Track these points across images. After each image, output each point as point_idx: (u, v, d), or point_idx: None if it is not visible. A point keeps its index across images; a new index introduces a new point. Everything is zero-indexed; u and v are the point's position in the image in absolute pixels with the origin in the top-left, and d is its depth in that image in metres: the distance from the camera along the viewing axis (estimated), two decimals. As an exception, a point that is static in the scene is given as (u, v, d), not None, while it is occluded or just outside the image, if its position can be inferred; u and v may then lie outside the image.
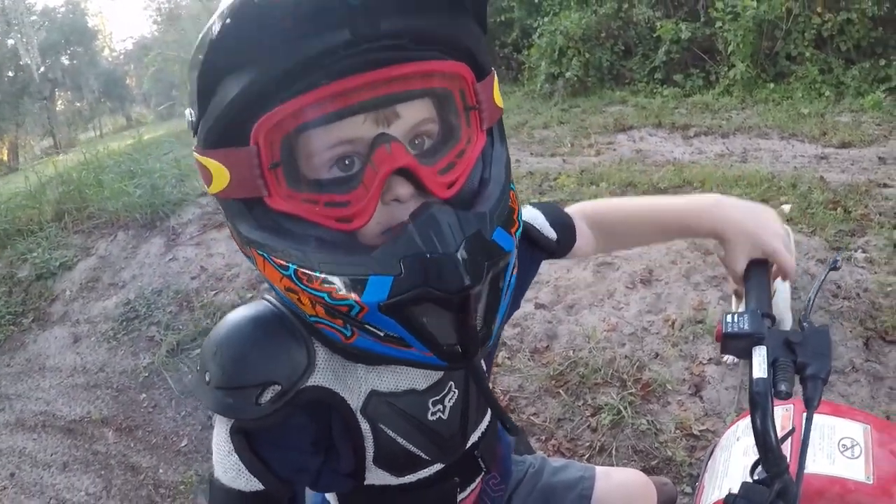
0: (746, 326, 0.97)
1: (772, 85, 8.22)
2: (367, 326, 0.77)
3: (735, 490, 0.92)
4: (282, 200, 0.75)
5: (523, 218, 0.94)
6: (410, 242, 0.72)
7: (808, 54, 8.01)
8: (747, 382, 0.94)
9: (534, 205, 1.18)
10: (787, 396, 0.89)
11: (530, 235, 1.12)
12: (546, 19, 10.73)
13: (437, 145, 0.81)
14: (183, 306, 4.62)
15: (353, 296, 0.73)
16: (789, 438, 0.98)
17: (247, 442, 0.87)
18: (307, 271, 0.74)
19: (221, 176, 0.75)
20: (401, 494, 1.02)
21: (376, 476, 0.98)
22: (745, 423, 1.61)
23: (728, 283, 3.67)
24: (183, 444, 3.50)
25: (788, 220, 4.41)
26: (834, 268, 1.26)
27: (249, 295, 4.50)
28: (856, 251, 4.03)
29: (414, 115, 0.77)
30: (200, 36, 0.69)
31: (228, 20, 0.63)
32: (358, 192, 0.75)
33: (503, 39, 11.86)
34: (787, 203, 4.03)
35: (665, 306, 3.72)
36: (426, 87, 0.77)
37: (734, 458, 1.43)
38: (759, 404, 0.89)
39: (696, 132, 7.14)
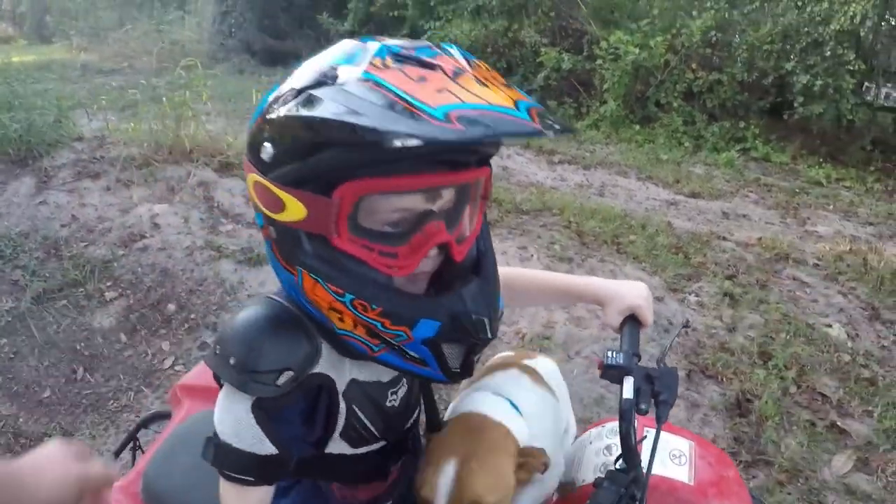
0: (621, 361, 1.29)
1: (637, 127, 8.76)
2: (400, 348, 1.02)
3: (594, 477, 1.24)
4: (345, 243, 0.95)
5: None
6: (459, 303, 1.00)
7: (675, 105, 8.62)
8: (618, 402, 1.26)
9: None
10: (644, 413, 1.22)
11: None
12: (438, 24, 11.01)
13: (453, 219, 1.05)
14: (51, 253, 4.45)
15: (404, 329, 0.98)
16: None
17: (264, 414, 1.07)
18: (364, 302, 0.96)
19: (297, 210, 0.93)
20: (349, 463, 1.23)
21: (336, 446, 1.20)
22: (596, 432, 1.97)
23: (574, 309, 4.12)
24: (45, 395, 3.41)
25: (634, 258, 4.90)
26: (686, 327, 1.64)
27: (121, 252, 4.40)
28: (690, 294, 4.48)
29: (448, 195, 1.01)
30: (319, 114, 0.85)
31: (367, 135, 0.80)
32: (405, 249, 0.98)
33: (392, 35, 12.00)
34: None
35: (518, 320, 4.00)
36: (464, 182, 1.02)
37: (587, 456, 1.77)
38: (625, 417, 1.21)
39: (560, 159, 7.53)
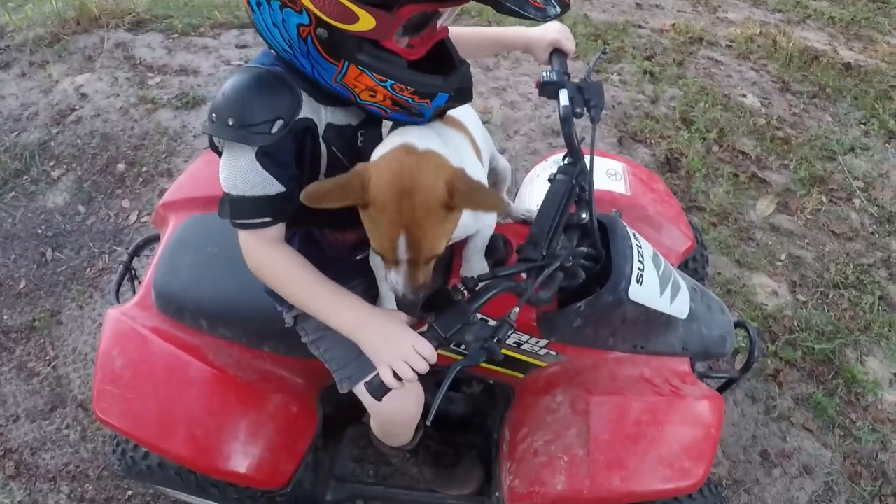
0: (555, 78, 1.49)
1: (543, -71, 8.57)
2: (417, 113, 1.34)
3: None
4: (390, 44, 1.23)
5: None
6: (461, 79, 1.34)
7: None
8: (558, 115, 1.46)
9: None
10: (579, 116, 1.43)
11: None
12: None
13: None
14: None
15: (427, 101, 1.30)
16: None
17: (268, 159, 1.28)
18: (401, 85, 1.25)
19: (368, 22, 1.15)
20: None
21: None
22: (541, 166, 2.20)
23: (507, 94, 4.32)
24: (22, 286, 3.39)
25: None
26: (604, 52, 1.82)
27: (56, 130, 4.26)
28: (612, 74, 4.67)
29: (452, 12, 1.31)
30: None
31: None
32: (418, 40, 1.29)
33: None
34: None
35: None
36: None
37: (537, 187, 2.01)
38: (566, 121, 1.42)
39: None
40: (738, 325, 1.94)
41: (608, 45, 3.99)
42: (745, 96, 4.58)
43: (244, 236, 1.37)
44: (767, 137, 4.11)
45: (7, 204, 3.84)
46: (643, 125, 4.06)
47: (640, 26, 5.52)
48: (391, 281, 1.26)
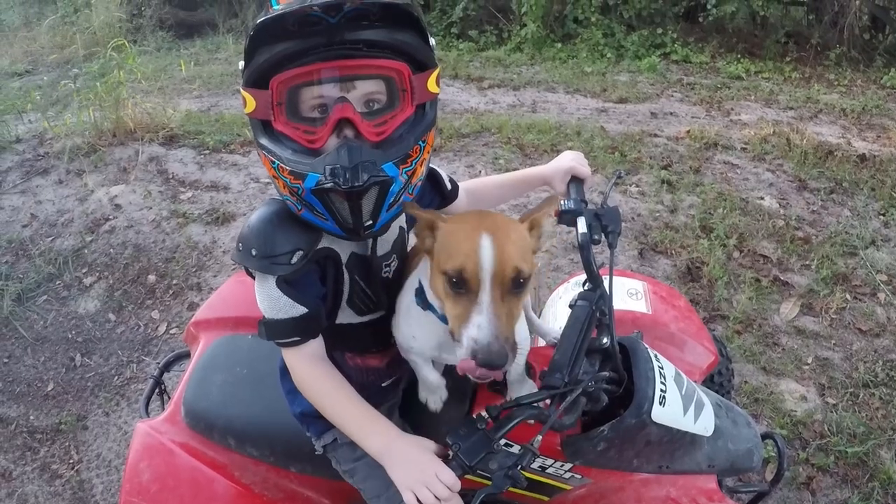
0: (573, 206, 1.54)
1: (559, 45, 8.87)
2: (308, 203, 1.28)
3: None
4: (281, 125, 1.25)
5: (435, 168, 1.59)
6: (332, 157, 1.22)
7: (593, 19, 8.72)
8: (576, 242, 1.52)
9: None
10: (597, 243, 1.48)
11: (435, 178, 1.66)
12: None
13: (381, 109, 1.28)
14: (19, 255, 4.42)
15: (300, 182, 1.23)
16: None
17: (288, 286, 1.36)
18: (283, 165, 1.24)
19: (251, 103, 1.25)
20: (356, 330, 1.54)
21: (344, 316, 1.51)
22: (563, 288, 2.25)
23: (529, 209, 4.37)
24: (49, 388, 3.46)
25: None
26: (619, 177, 1.89)
27: (90, 238, 4.45)
28: (631, 186, 4.76)
29: (366, 88, 1.26)
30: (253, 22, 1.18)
31: (259, 21, 1.15)
32: (321, 128, 1.24)
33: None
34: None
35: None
36: (371, 73, 1.25)
37: (559, 309, 2.05)
38: (584, 248, 1.46)
39: (489, 84, 7.62)
40: (766, 436, 1.94)
41: (622, 172, 4.10)
42: (762, 199, 4.66)
43: (285, 353, 1.46)
44: (787, 239, 4.16)
45: (39, 307, 3.97)
46: (663, 236, 4.13)
47: (655, 135, 5.68)
48: (470, 334, 1.15)
